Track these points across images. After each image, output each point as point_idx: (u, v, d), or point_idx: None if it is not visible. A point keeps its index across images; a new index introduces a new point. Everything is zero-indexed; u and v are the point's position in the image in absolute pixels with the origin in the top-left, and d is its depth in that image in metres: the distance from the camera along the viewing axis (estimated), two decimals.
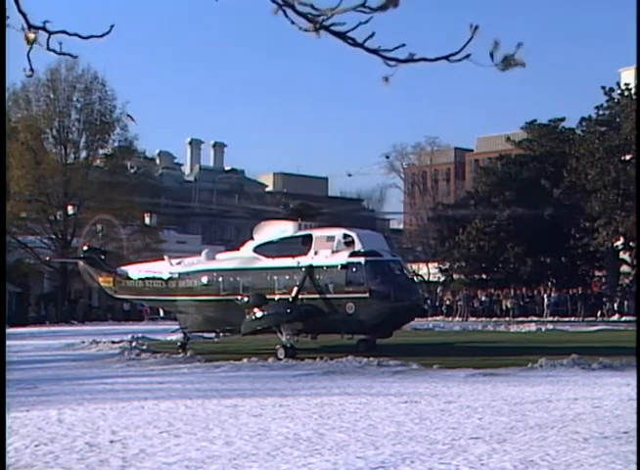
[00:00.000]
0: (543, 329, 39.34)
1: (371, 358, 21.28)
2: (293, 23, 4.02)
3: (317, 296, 24.99)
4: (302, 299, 25.06)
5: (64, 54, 4.66)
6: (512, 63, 4.00)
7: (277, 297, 25.42)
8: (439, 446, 9.32)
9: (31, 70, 4.73)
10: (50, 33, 4.47)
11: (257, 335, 26.72)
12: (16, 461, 8.85)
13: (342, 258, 24.82)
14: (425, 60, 3.96)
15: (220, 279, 27.27)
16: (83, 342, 30.66)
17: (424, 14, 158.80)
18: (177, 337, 32.68)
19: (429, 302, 56.66)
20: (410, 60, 3.91)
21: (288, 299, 25.06)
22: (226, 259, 28.50)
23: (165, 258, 30.46)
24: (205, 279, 27.59)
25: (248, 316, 25.43)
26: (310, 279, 25.02)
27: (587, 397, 13.88)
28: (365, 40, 3.92)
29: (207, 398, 14.37)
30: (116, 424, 11.36)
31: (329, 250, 25.21)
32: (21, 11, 4.43)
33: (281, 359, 23.53)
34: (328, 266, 24.99)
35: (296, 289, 24.99)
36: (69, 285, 64.03)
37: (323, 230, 26.47)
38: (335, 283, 24.73)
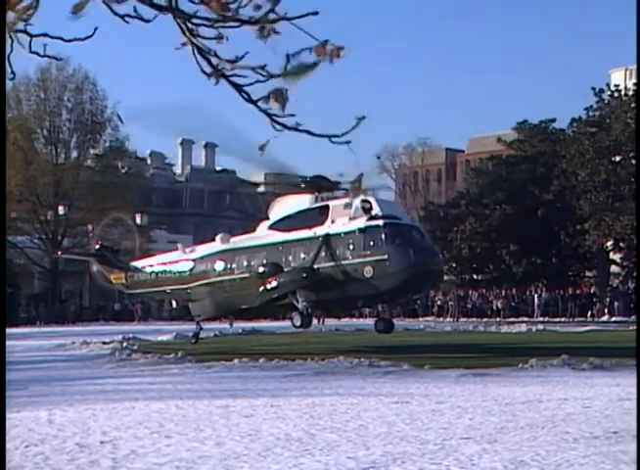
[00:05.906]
0: (534, 329, 39.45)
1: (362, 359, 21.28)
2: (197, 63, 4.12)
3: (334, 263, 24.07)
4: (319, 268, 24.26)
5: (47, 56, 4.64)
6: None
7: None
8: (430, 447, 9.32)
9: (12, 73, 4.69)
10: (32, 36, 4.45)
11: (273, 312, 26.60)
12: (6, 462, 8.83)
13: (360, 222, 24.02)
14: (309, 133, 4.14)
15: (235, 258, 26.63)
16: (74, 342, 30.54)
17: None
18: (169, 337, 32.70)
19: (419, 302, 56.71)
20: (295, 129, 4.06)
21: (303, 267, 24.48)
22: (240, 240, 27.92)
23: (179, 246, 30.21)
24: (219, 261, 27.06)
25: (263, 287, 24.74)
26: (327, 248, 24.23)
27: (577, 397, 13.90)
28: (259, 100, 4.02)
29: (199, 398, 14.33)
30: (107, 425, 11.34)
31: (346, 217, 24.34)
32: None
33: (296, 326, 23.85)
34: (345, 233, 24.15)
35: (311, 258, 24.29)
36: (60, 285, 63.93)
37: (340, 199, 25.27)
38: (352, 249, 23.85)
